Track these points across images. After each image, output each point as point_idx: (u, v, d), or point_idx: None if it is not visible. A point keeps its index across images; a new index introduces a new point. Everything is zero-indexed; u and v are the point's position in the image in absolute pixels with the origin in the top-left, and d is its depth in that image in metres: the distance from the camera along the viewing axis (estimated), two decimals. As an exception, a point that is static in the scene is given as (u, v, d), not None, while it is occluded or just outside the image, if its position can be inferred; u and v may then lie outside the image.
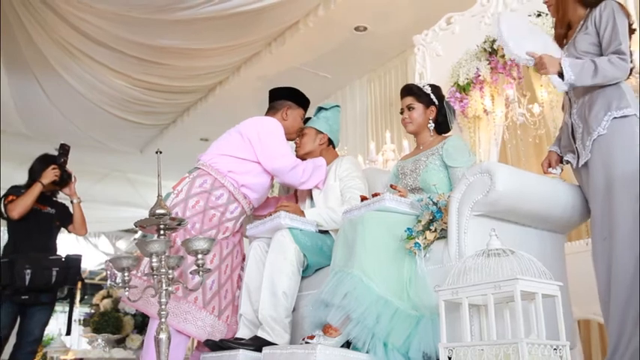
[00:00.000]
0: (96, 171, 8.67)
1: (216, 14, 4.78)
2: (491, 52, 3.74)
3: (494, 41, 3.71)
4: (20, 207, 3.65)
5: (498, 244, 1.81)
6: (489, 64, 3.75)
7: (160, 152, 2.33)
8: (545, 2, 2.48)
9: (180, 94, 6.72)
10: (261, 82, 6.28)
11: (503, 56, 3.63)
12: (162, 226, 2.13)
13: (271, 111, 3.17)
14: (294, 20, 5.35)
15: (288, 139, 3.13)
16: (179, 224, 2.17)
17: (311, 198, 3.14)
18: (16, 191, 3.74)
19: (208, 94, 6.79)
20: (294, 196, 3.32)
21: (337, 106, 3.38)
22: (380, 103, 6.02)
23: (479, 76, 3.78)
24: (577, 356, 3.29)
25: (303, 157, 3.19)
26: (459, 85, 3.88)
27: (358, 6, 4.99)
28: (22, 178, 3.93)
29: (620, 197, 2.09)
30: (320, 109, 3.30)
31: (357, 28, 5.39)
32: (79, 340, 7.79)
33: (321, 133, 3.22)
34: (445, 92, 3.92)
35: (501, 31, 2.33)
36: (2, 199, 3.73)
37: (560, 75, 2.22)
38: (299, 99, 3.21)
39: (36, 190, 3.68)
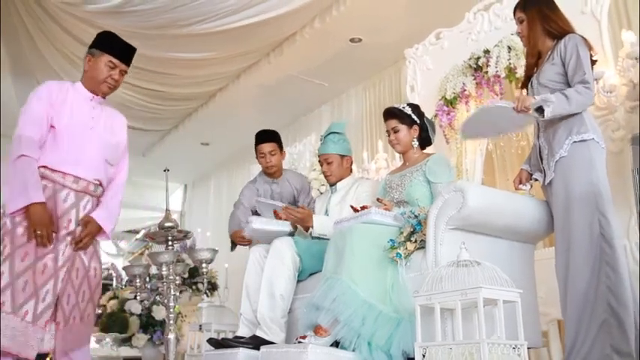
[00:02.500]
0: (99, 174, 8.83)
1: (218, 28, 4.94)
2: (476, 68, 3.97)
3: (479, 58, 3.94)
4: None
5: (467, 255, 2.06)
6: (475, 79, 3.96)
7: (168, 170, 2.56)
8: (518, 33, 2.72)
9: (182, 101, 6.83)
10: (260, 89, 6.45)
11: (487, 72, 3.86)
12: (170, 238, 2.37)
13: None
14: (291, 32, 5.49)
15: (102, 93, 2.78)
16: (185, 236, 2.41)
17: (326, 211, 3.34)
18: None
19: (209, 101, 6.92)
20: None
21: (344, 123, 3.58)
22: (375, 111, 6.11)
23: (465, 90, 3.98)
24: (556, 355, 3.52)
25: (334, 184, 3.37)
26: (446, 98, 4.10)
27: (353, 19, 5.11)
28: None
29: (578, 213, 2.34)
30: (333, 133, 3.39)
31: (352, 40, 5.49)
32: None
33: (345, 156, 3.39)
34: (434, 105, 4.17)
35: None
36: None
37: (537, 109, 2.45)
38: (99, 43, 2.83)
39: None
